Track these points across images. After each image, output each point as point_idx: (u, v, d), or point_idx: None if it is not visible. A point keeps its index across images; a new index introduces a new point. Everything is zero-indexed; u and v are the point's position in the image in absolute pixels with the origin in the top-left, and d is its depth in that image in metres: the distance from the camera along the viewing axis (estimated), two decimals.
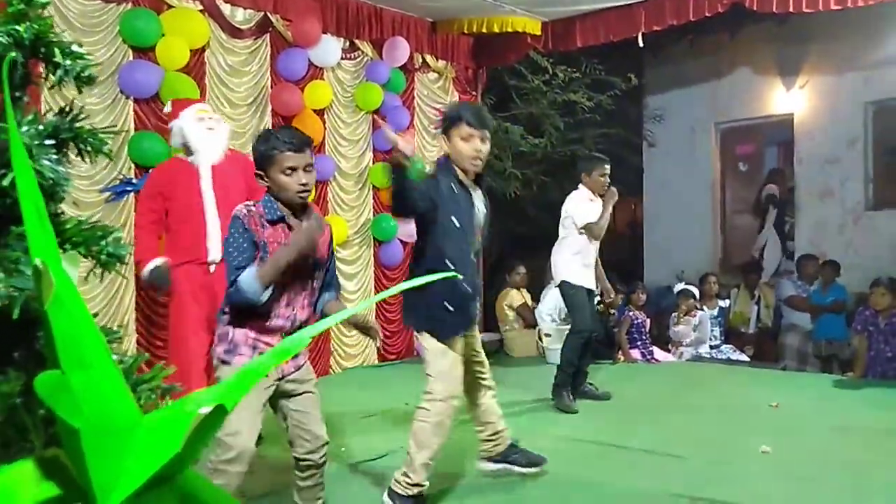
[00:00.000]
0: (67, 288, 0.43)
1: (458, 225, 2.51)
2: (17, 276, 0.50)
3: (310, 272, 2.17)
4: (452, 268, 2.48)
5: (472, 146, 2.57)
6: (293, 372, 2.18)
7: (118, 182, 4.00)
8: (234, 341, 2.12)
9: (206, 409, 0.45)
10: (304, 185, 2.07)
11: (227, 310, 2.13)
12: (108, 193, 3.98)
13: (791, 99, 7.15)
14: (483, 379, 2.85)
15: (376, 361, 5.59)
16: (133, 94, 4.06)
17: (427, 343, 2.59)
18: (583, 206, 4.20)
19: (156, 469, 0.40)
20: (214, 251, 3.28)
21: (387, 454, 3.31)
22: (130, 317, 4.04)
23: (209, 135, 3.39)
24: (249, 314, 2.08)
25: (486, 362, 2.91)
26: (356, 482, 2.98)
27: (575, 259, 4.19)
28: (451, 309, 2.54)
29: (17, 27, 0.56)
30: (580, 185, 4.29)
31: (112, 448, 0.41)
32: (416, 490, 2.55)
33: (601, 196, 4.25)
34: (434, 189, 2.51)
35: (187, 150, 3.39)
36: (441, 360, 2.57)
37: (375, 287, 5.57)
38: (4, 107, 0.52)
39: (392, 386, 4.80)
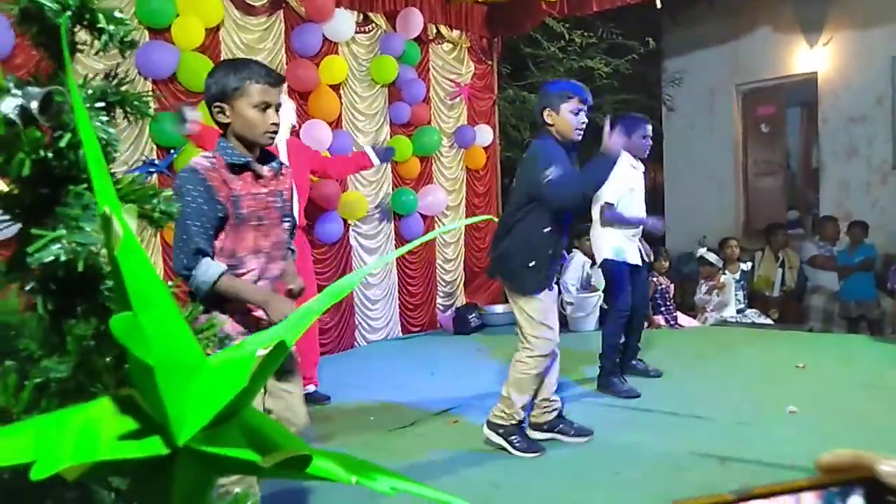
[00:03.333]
0: (131, 237, 0.46)
1: None
2: (78, 233, 0.53)
3: (279, 223, 1.98)
4: (549, 230, 2.84)
5: (580, 119, 2.85)
6: None
7: (141, 163, 4.06)
8: (227, 334, 1.79)
9: (263, 351, 0.47)
10: (274, 124, 1.87)
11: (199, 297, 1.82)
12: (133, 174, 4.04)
13: (814, 57, 6.98)
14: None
15: (400, 334, 5.66)
16: (151, 75, 4.09)
17: (529, 308, 2.85)
18: (618, 178, 3.67)
19: (225, 403, 0.43)
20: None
21: (415, 422, 3.37)
22: None
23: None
24: (221, 300, 1.83)
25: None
26: (385, 451, 3.04)
27: (616, 233, 3.85)
28: (535, 266, 2.82)
29: None
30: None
31: (182, 385, 0.43)
32: (517, 420, 2.93)
33: (643, 160, 4.00)
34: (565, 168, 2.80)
35: None
36: (541, 324, 2.86)
37: (397, 261, 5.61)
38: (61, 69, 0.54)
39: (417, 357, 4.86)
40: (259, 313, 1.90)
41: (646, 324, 5.48)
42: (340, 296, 0.52)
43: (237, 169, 1.86)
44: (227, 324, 1.89)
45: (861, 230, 5.89)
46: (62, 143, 0.53)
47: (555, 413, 3.05)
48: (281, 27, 4.79)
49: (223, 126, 1.88)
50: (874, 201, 6.67)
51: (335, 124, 5.01)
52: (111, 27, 0.60)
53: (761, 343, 4.88)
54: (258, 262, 1.90)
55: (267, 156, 1.96)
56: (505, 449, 2.91)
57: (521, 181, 2.92)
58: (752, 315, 5.86)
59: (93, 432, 0.43)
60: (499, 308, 6.09)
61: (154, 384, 0.42)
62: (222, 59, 4.44)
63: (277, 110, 1.88)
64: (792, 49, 7.12)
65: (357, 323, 5.36)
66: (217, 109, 1.86)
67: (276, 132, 1.89)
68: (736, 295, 5.91)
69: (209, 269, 1.78)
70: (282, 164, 2.01)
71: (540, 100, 2.97)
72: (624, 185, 3.82)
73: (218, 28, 4.41)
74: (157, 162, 4.09)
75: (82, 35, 0.64)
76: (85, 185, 0.54)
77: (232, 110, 1.84)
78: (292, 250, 2.15)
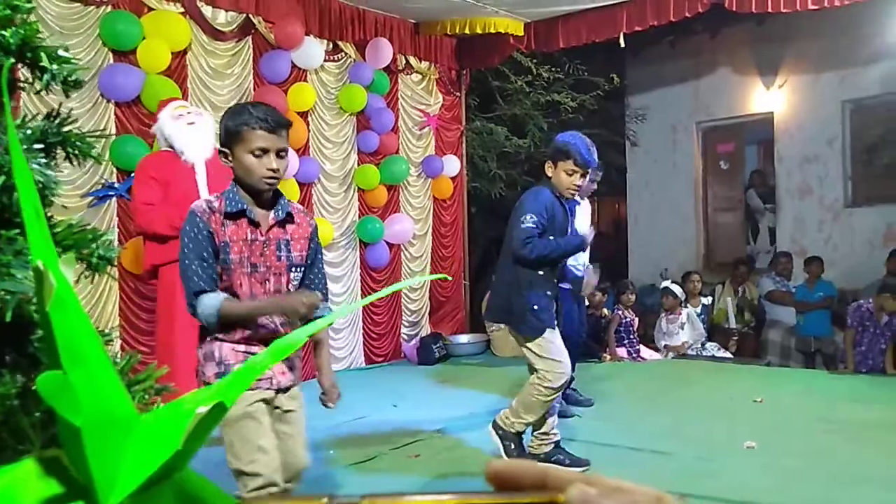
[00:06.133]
0: (66, 289, 0.43)
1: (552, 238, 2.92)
2: (8, 280, 0.50)
3: (285, 273, 1.95)
4: (542, 273, 2.93)
5: (573, 180, 2.93)
6: (290, 387, 1.99)
7: (101, 186, 3.97)
8: (224, 360, 1.90)
9: (203, 409, 0.45)
10: (273, 170, 1.83)
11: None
12: (90, 198, 3.94)
13: (771, 98, 7.25)
14: None
15: (363, 364, 5.58)
16: (114, 97, 4.03)
17: (535, 346, 2.92)
18: None
19: (157, 466, 0.41)
20: None
21: (376, 457, 3.31)
22: (114, 321, 4.01)
23: (191, 130, 3.29)
24: (233, 324, 1.90)
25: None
26: (346, 486, 2.97)
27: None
28: (538, 308, 2.90)
29: (3, 32, 0.56)
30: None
31: (112, 446, 0.41)
32: (516, 430, 3.00)
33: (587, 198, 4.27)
34: (549, 217, 2.91)
35: (175, 151, 3.35)
36: (550, 359, 2.91)
37: (362, 290, 5.57)
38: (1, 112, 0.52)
39: (380, 388, 4.80)
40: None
41: (607, 356, 5.52)
42: (288, 351, 0.50)
43: (233, 215, 1.87)
44: (229, 354, 1.91)
45: (818, 266, 6.07)
46: None
47: (552, 445, 3.11)
48: (249, 53, 4.78)
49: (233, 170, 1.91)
50: (827, 238, 6.89)
51: (302, 151, 4.99)
52: (54, 66, 0.58)
53: (720, 377, 4.96)
54: (264, 297, 1.92)
55: (275, 202, 1.93)
56: (498, 452, 3.00)
57: (511, 228, 3.00)
58: (712, 348, 5.95)
59: (13, 497, 0.40)
60: (463, 338, 6.08)
61: (81, 446, 0.40)
62: (188, 82, 4.41)
63: (280, 155, 1.87)
64: (750, 89, 7.39)
65: None
66: (223, 155, 1.89)
67: (275, 178, 1.86)
68: (696, 327, 6.00)
69: (210, 303, 1.83)
70: (290, 212, 1.95)
71: (549, 148, 3.10)
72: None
73: (185, 52, 4.38)
74: (116, 185, 4.01)
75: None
76: (18, 231, 0.52)
77: (233, 156, 1.85)
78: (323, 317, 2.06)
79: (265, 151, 1.83)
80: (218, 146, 1.96)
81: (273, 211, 1.92)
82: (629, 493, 0.32)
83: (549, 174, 2.98)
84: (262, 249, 1.90)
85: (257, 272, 1.89)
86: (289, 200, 1.99)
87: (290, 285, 1.95)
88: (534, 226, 2.84)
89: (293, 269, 1.95)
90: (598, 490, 0.31)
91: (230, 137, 1.85)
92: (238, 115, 1.85)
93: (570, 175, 2.92)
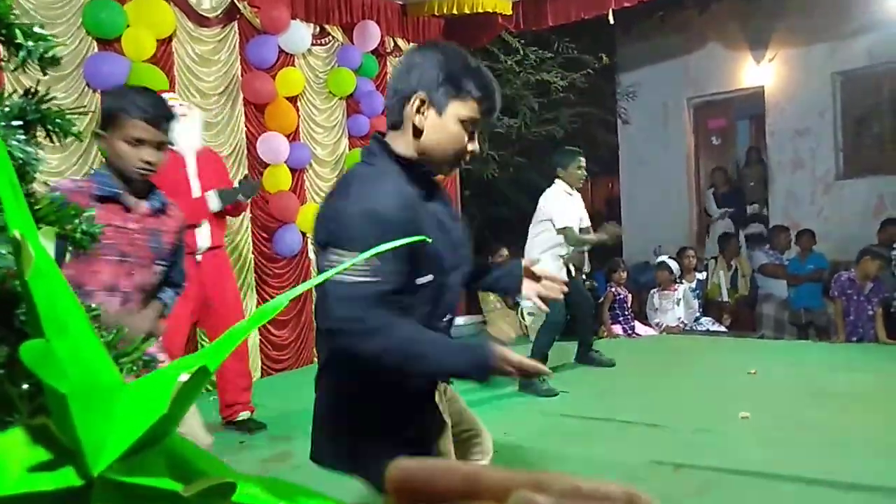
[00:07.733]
0: (45, 260, 0.44)
1: None
2: None
3: (150, 265, 1.86)
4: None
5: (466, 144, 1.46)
6: None
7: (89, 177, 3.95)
8: (153, 356, 1.89)
9: (186, 376, 0.45)
10: (147, 162, 1.75)
11: None
12: None
13: (761, 72, 7.24)
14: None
15: None
16: (100, 86, 3.99)
17: None
18: (560, 204, 4.15)
19: (144, 430, 0.41)
20: (203, 239, 3.29)
21: None
22: None
23: (182, 121, 3.34)
24: None
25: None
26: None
27: (547, 254, 4.10)
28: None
29: None
30: (556, 180, 4.26)
31: (99, 412, 0.42)
32: None
33: (579, 190, 4.31)
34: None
35: None
36: None
37: None
38: None
39: None
40: None
41: (605, 332, 5.56)
42: (270, 315, 0.51)
43: (104, 199, 1.76)
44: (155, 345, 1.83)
45: (810, 238, 6.11)
46: None
47: None
48: (236, 38, 4.74)
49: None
50: (819, 210, 6.92)
51: (293, 137, 4.96)
52: (30, 43, 0.57)
53: (715, 350, 5.00)
54: (111, 303, 1.74)
55: (150, 191, 1.86)
56: None
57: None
58: (707, 323, 6.00)
59: (2, 465, 0.41)
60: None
61: (68, 412, 0.40)
62: (174, 70, 4.37)
63: (160, 148, 1.79)
64: (740, 64, 7.37)
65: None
66: (95, 135, 1.81)
67: (147, 170, 1.78)
68: (690, 304, 6.04)
69: None
70: (167, 204, 1.89)
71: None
72: (570, 211, 4.15)
73: (170, 39, 4.33)
74: None
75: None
76: None
77: (107, 138, 1.77)
78: (165, 304, 1.96)
79: (140, 142, 1.75)
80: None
81: (148, 201, 1.85)
82: (590, 498, 0.23)
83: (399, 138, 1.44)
84: (131, 238, 1.81)
85: (126, 262, 1.80)
86: (161, 192, 1.92)
87: (153, 278, 1.88)
88: (370, 278, 1.30)
89: (159, 262, 1.89)
90: (548, 498, 0.22)
91: (106, 119, 1.76)
92: (118, 98, 1.78)
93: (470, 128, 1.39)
